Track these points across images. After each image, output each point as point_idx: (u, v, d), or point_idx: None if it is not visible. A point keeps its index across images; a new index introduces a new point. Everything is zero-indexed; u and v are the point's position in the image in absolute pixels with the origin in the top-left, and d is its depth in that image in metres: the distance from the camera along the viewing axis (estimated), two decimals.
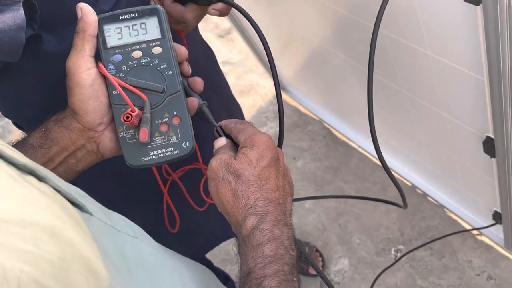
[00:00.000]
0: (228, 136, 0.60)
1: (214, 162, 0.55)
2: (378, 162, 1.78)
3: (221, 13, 0.71)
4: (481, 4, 0.61)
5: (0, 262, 0.25)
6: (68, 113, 0.55)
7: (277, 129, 0.64)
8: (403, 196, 0.76)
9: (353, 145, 1.84)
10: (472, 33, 0.69)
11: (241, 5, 0.64)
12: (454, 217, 1.56)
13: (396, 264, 1.46)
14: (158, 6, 0.57)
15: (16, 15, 0.54)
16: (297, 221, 1.70)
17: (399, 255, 1.57)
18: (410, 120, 1.17)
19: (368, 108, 0.66)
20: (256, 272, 0.49)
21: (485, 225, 1.32)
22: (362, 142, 1.79)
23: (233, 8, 0.66)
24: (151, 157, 0.57)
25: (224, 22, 2.50)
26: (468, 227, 1.50)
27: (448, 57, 0.79)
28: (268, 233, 0.51)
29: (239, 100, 1.16)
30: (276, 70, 0.61)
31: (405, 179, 1.66)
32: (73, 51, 0.54)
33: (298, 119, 2.00)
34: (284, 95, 2.13)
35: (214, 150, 0.59)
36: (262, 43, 0.61)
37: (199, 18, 0.72)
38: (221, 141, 0.59)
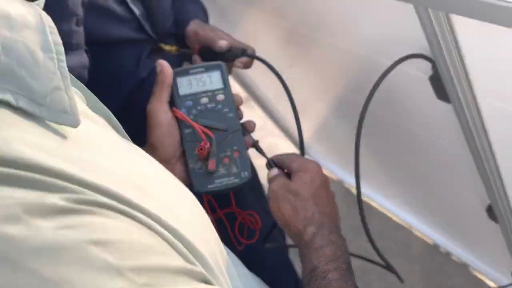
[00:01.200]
0: (278, 168, 0.70)
1: (273, 185, 0.67)
2: (399, 221, 1.79)
3: (245, 66, 0.78)
4: (451, 104, 0.67)
5: None
6: (147, 149, 0.61)
7: None
8: (394, 271, 0.85)
9: (374, 204, 1.86)
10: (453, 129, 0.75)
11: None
12: (479, 275, 1.55)
13: None
14: (221, 62, 0.70)
15: (81, 58, 0.66)
16: None
17: None
18: (425, 185, 1.21)
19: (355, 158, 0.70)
20: (321, 267, 0.58)
21: (508, 282, 1.31)
22: (382, 202, 1.81)
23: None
24: (216, 184, 0.66)
25: (240, 93, 2.59)
26: (493, 285, 1.49)
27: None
28: (326, 238, 0.61)
29: (262, 161, 1.21)
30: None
31: (428, 237, 1.66)
32: (153, 98, 0.64)
33: None
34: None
35: (268, 180, 0.69)
36: (287, 93, 0.73)
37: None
38: (274, 171, 0.69)
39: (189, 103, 0.67)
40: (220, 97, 0.68)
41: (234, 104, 0.68)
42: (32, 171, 0.27)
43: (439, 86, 0.66)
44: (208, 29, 0.84)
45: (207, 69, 0.69)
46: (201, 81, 0.68)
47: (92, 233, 0.27)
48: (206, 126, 0.66)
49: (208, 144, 0.64)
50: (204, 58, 0.80)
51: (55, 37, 0.36)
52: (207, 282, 0.33)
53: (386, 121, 0.95)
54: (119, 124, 0.46)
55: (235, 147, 0.67)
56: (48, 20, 0.36)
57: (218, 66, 0.69)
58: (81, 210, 0.28)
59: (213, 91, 0.68)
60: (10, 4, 0.34)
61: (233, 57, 0.78)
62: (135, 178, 0.37)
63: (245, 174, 0.67)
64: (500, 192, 0.82)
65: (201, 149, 0.63)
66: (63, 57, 0.35)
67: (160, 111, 0.64)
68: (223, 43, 0.77)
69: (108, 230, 0.28)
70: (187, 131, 0.65)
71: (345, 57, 0.91)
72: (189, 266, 0.32)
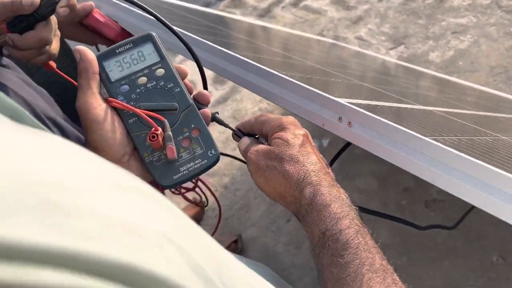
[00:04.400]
0: (247, 136, 0.62)
1: (252, 156, 0.58)
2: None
3: (72, 8, 0.66)
4: None
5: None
6: None
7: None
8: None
9: None
10: None
11: None
12: None
13: None
14: (150, 32, 0.59)
15: None
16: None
17: None
18: None
19: None
20: (330, 229, 0.50)
21: None
22: None
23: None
24: (182, 173, 0.56)
25: None
26: None
27: None
28: (328, 195, 0.53)
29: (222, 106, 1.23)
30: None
31: None
32: (80, 92, 0.53)
33: None
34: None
35: (241, 151, 0.61)
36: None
37: (49, 33, 0.64)
38: (246, 140, 0.62)
39: (125, 87, 0.57)
40: (160, 72, 0.58)
41: (178, 76, 0.58)
42: None
43: None
44: None
45: (136, 44, 0.58)
46: (133, 59, 0.58)
47: None
48: (153, 110, 0.56)
49: (160, 130, 0.54)
50: (20, 31, 0.64)
51: None
52: None
53: None
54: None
55: (192, 125, 0.57)
56: None
57: (148, 37, 0.59)
58: None
59: (150, 66, 0.58)
60: None
61: (52, 5, 0.63)
62: None
63: (212, 152, 0.57)
64: None
65: (153, 137, 0.53)
66: None
67: (93, 106, 0.53)
68: None
69: None
70: (131, 120, 0.55)
71: None
72: None
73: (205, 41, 0.80)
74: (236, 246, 1.70)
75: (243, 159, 0.63)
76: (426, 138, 0.58)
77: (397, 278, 0.46)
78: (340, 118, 0.66)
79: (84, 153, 0.25)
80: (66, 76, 0.69)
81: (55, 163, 0.22)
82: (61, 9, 0.63)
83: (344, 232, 0.49)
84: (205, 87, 0.65)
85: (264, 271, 0.56)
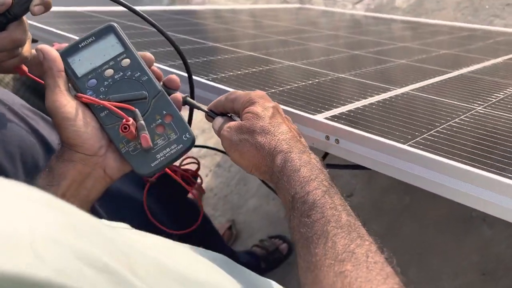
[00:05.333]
0: (220, 115, 0.63)
1: (225, 133, 0.59)
2: None
3: (46, 5, 0.62)
4: None
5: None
6: (65, 148, 0.54)
7: None
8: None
9: None
10: None
11: None
12: None
13: None
14: (111, 23, 0.58)
15: None
16: None
17: None
18: None
19: None
20: (298, 193, 0.50)
21: None
22: None
23: None
24: (159, 159, 0.57)
25: None
26: None
27: None
28: (298, 161, 0.53)
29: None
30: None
31: None
32: (48, 91, 0.53)
33: None
34: None
35: (216, 131, 0.62)
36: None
37: (22, 34, 0.62)
38: (219, 120, 0.62)
39: (93, 81, 0.57)
40: (125, 62, 0.57)
41: (145, 64, 0.58)
42: None
43: None
44: None
45: (98, 36, 0.58)
46: (97, 52, 0.58)
47: None
48: (122, 101, 0.56)
49: (131, 120, 0.54)
50: None
51: None
52: None
53: None
54: None
55: (164, 112, 0.57)
56: None
57: (109, 28, 0.58)
58: None
59: (115, 58, 0.58)
60: None
61: (25, 3, 0.60)
62: None
63: (187, 135, 0.58)
64: None
65: (125, 128, 0.53)
66: None
67: (62, 104, 0.53)
68: None
69: None
70: (103, 114, 0.56)
71: None
72: None
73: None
74: (230, 233, 1.70)
75: (216, 147, 0.60)
76: (405, 147, 0.64)
77: (364, 232, 0.46)
78: (327, 137, 0.70)
79: None
80: (42, 81, 0.70)
81: None
82: (36, 7, 0.60)
83: (312, 193, 0.49)
84: (191, 88, 0.66)
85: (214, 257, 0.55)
